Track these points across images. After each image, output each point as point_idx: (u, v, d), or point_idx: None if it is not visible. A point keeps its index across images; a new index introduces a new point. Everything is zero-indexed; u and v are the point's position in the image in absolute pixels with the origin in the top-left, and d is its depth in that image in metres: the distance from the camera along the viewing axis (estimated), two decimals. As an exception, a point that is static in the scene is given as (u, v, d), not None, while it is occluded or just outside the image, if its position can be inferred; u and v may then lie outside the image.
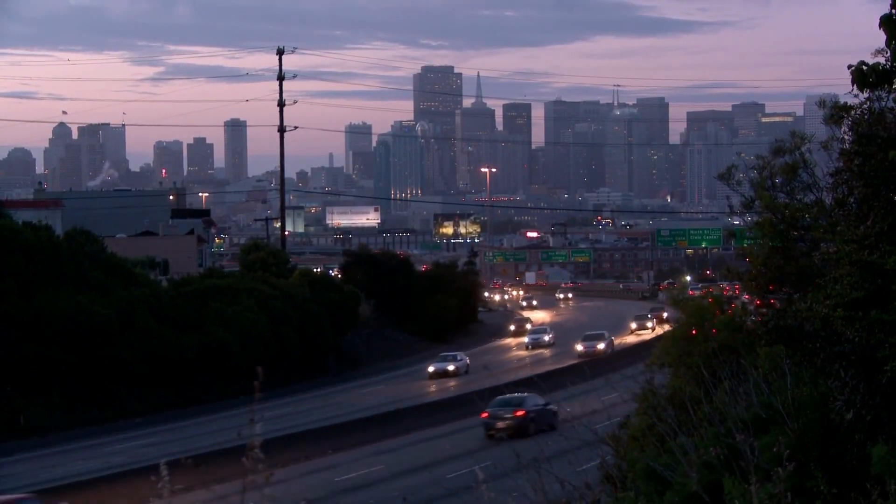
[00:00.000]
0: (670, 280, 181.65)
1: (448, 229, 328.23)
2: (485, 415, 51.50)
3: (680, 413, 16.86)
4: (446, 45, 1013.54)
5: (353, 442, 53.34)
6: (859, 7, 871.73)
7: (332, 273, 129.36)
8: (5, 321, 68.09)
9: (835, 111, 18.67)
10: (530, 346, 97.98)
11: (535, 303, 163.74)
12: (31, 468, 51.46)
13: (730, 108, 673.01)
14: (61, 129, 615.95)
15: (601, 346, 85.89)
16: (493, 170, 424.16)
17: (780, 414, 13.92)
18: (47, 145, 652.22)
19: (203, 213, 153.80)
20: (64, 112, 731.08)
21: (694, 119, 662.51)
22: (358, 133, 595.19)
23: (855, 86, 13.57)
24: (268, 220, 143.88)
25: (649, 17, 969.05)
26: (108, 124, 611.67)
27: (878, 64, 13.47)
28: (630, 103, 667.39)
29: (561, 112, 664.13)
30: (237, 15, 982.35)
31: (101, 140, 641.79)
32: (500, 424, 50.75)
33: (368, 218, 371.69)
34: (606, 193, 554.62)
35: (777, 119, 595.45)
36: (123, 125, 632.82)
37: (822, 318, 14.17)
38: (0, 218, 77.90)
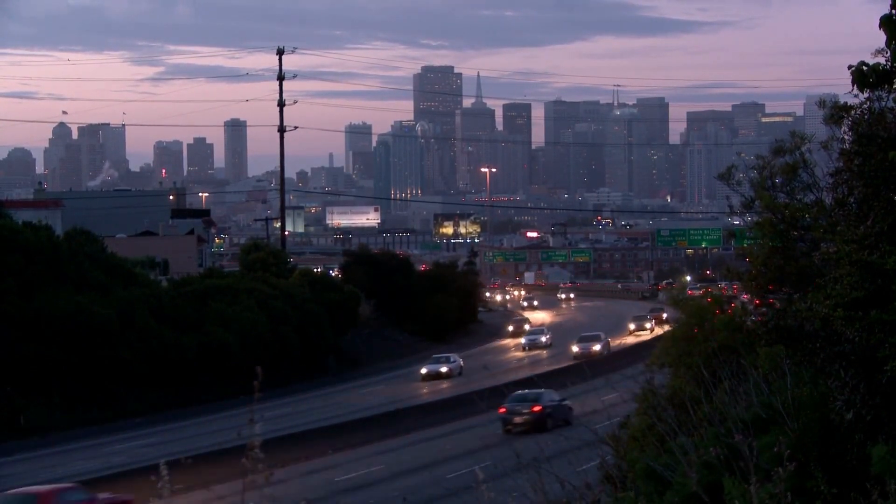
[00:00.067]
0: (668, 280, 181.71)
1: (448, 229, 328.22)
2: (502, 410, 52.32)
3: (680, 413, 16.86)
4: (446, 45, 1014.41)
5: (353, 442, 53.34)
6: (859, 7, 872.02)
7: (332, 273, 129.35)
8: (5, 321, 68.09)
9: (835, 111, 18.66)
10: (527, 348, 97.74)
11: (535, 303, 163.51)
12: (31, 468, 51.44)
13: (730, 108, 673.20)
14: (61, 129, 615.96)
15: (597, 347, 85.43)
16: (493, 170, 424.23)
17: (780, 414, 13.91)
18: (47, 145, 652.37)
19: (203, 213, 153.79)
20: (64, 112, 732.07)
21: (694, 119, 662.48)
22: (358, 133, 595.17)
23: (855, 86, 13.57)
24: (268, 220, 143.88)
25: (649, 17, 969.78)
26: (108, 124, 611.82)
27: (879, 64, 13.47)
28: (630, 103, 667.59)
29: (561, 112, 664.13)
30: (237, 15, 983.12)
31: (101, 140, 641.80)
32: (518, 420, 51.90)
33: (368, 218, 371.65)
34: (606, 193, 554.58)
35: (777, 119, 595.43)
36: (123, 125, 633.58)
37: (822, 318, 14.17)
38: (0, 218, 77.90)
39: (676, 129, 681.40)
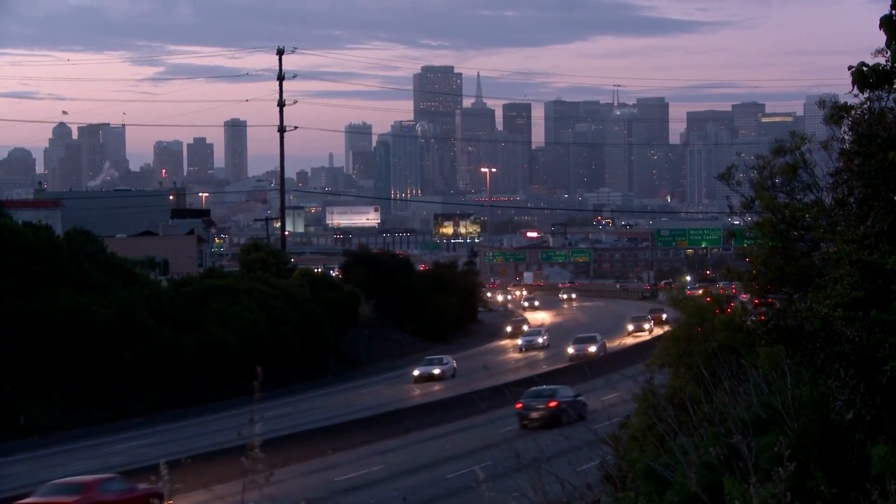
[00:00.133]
0: (667, 280, 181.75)
1: (448, 229, 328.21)
2: (519, 406, 53.09)
3: (680, 413, 16.86)
4: (446, 45, 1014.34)
5: (353, 442, 53.33)
6: (859, 7, 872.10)
7: (333, 273, 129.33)
8: (5, 321, 68.10)
9: (835, 111, 18.67)
10: (524, 349, 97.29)
11: (536, 303, 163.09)
12: (31, 468, 51.43)
13: (730, 108, 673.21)
14: (61, 129, 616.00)
15: (592, 348, 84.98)
16: (493, 170, 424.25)
17: (780, 414, 13.92)
18: (47, 145, 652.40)
19: (203, 213, 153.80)
20: (64, 112, 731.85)
21: (694, 119, 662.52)
22: (358, 133, 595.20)
23: (855, 86, 13.57)
24: (268, 220, 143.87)
25: (649, 17, 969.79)
26: (108, 124, 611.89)
27: (879, 64, 13.47)
28: (630, 103, 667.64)
29: (561, 112, 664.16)
30: (237, 15, 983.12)
31: (101, 140, 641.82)
32: (534, 415, 52.67)
33: (368, 218, 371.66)
34: (606, 193, 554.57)
35: (777, 119, 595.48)
36: (123, 125, 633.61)
37: (822, 318, 14.16)
38: (0, 218, 77.91)
39: (676, 129, 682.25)
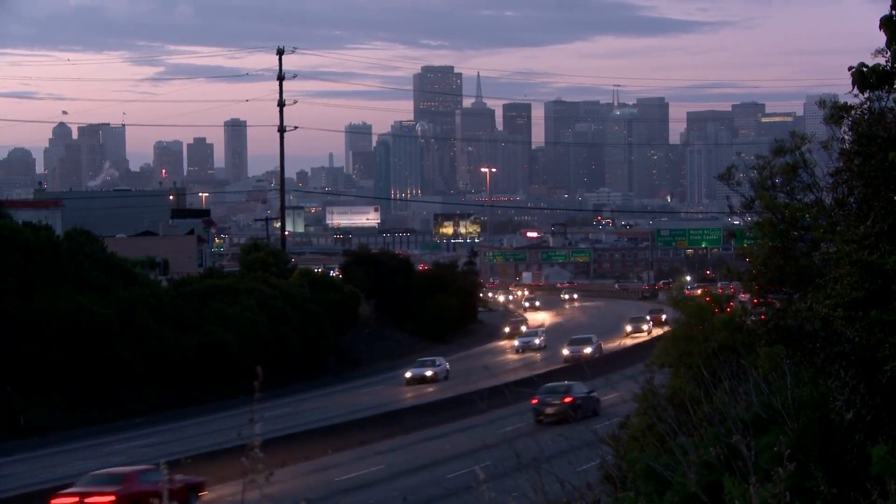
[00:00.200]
0: (665, 280, 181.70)
1: (448, 229, 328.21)
2: (534, 401, 54.09)
3: (680, 413, 16.86)
4: (446, 45, 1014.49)
5: (353, 442, 53.33)
6: (859, 7, 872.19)
7: (333, 273, 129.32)
8: (5, 321, 68.09)
9: (835, 111, 18.66)
10: (520, 350, 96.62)
11: (537, 303, 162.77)
12: (31, 468, 51.45)
13: (730, 108, 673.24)
14: (61, 129, 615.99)
15: (588, 350, 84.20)
16: (493, 170, 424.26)
17: (780, 414, 13.92)
18: (47, 145, 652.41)
19: (203, 213, 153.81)
20: (64, 112, 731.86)
21: (694, 119, 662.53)
22: (358, 133, 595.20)
23: (855, 87, 13.57)
24: (268, 220, 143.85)
25: (649, 17, 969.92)
26: (108, 124, 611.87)
27: (879, 65, 13.47)
28: (630, 103, 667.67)
29: (561, 112, 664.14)
30: (237, 15, 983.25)
31: (101, 140, 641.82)
32: (549, 410, 53.54)
33: (368, 218, 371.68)
34: (606, 193, 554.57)
35: (777, 119, 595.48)
36: (123, 125, 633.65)
37: (822, 318, 14.16)
38: (0, 218, 77.91)
39: (676, 129, 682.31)
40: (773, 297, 22.56)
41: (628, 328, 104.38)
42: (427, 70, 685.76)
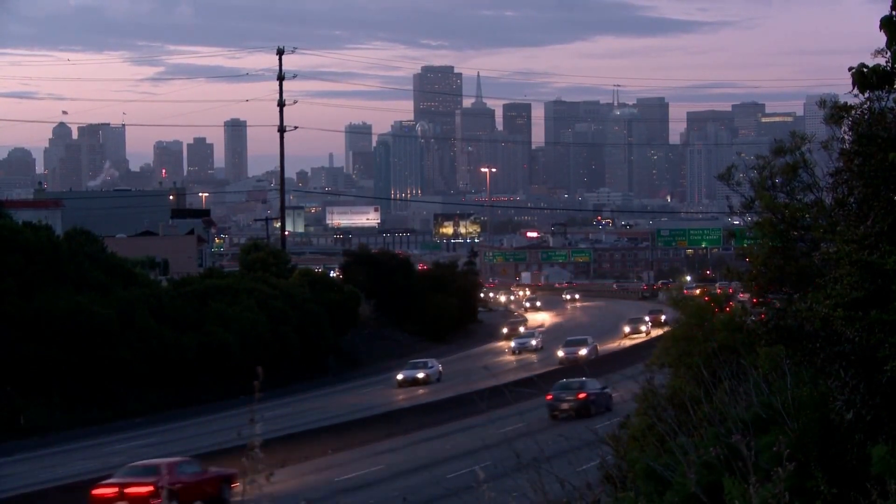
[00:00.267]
0: (664, 281, 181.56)
1: (448, 229, 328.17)
2: (549, 397, 55.96)
3: (680, 413, 16.86)
4: (446, 45, 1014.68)
5: (353, 442, 53.33)
6: (860, 7, 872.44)
7: (333, 273, 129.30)
8: (5, 321, 68.10)
9: (835, 111, 18.66)
10: (517, 351, 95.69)
11: (538, 304, 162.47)
12: (31, 468, 51.45)
13: (730, 108, 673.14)
14: (61, 129, 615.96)
15: (583, 352, 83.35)
16: (493, 170, 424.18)
17: (780, 414, 13.92)
18: (47, 145, 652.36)
19: (203, 213, 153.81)
20: (64, 112, 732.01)
21: (694, 119, 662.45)
22: (358, 133, 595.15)
23: (856, 87, 13.56)
24: (268, 220, 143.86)
25: (649, 17, 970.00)
26: (108, 124, 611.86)
27: (879, 65, 13.46)
28: (630, 103, 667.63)
29: (561, 112, 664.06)
30: (237, 15, 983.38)
31: (101, 140, 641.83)
32: (564, 406, 55.52)
33: (368, 218, 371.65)
34: (606, 193, 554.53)
35: (777, 119, 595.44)
36: (123, 125, 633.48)
37: (822, 318, 14.16)
38: (0, 218, 77.91)
39: (676, 129, 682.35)
40: (773, 297, 22.55)
41: (626, 329, 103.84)
42: (427, 70, 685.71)
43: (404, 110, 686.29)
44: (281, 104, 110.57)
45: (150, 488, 37.36)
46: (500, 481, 13.59)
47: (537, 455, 14.82)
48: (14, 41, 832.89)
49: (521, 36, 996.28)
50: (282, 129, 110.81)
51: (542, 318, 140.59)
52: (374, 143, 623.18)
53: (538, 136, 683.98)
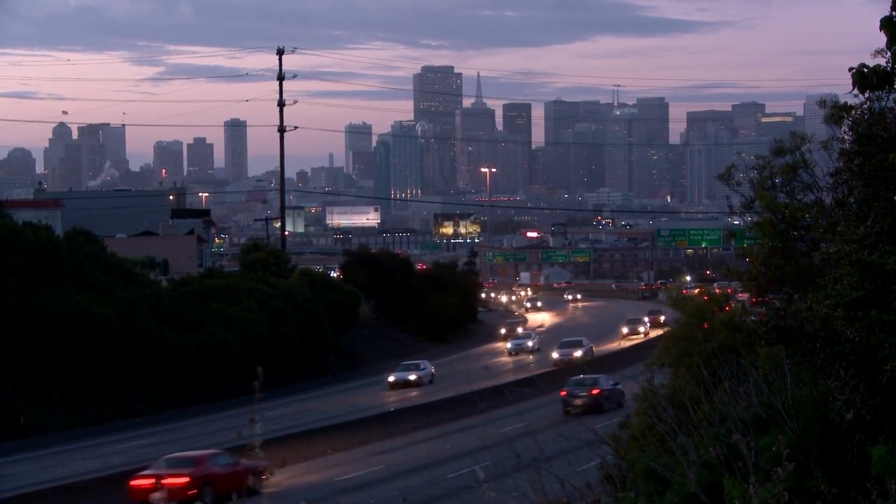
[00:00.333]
0: (662, 280, 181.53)
1: (448, 229, 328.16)
2: (563, 393, 57.57)
3: (680, 413, 16.85)
4: (446, 45, 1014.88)
5: (353, 442, 53.33)
6: (859, 7, 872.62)
7: (333, 273, 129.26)
8: (5, 321, 68.09)
9: (835, 111, 18.65)
10: (513, 352, 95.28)
11: (539, 304, 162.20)
12: (31, 468, 51.47)
13: (730, 108, 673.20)
14: (61, 129, 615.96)
15: (578, 353, 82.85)
16: (493, 170, 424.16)
17: (780, 414, 13.91)
18: (47, 145, 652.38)
19: (203, 213, 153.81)
20: (64, 112, 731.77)
21: (694, 119, 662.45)
22: (358, 133, 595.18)
23: (856, 87, 13.56)
24: (268, 220, 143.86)
25: (649, 17, 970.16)
26: (108, 124, 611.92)
27: (879, 66, 13.46)
28: (630, 103, 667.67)
29: (561, 112, 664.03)
30: (237, 15, 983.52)
31: (101, 140, 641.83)
32: (578, 402, 57.06)
33: (368, 218, 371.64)
34: (606, 193, 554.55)
35: (777, 119, 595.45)
36: (123, 125, 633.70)
37: (822, 318, 14.15)
38: (0, 218, 77.90)
39: (676, 129, 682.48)
40: (772, 297, 22.55)
41: (624, 330, 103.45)
42: (427, 70, 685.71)
43: (404, 110, 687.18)
44: (281, 104, 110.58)
45: (187, 479, 38.63)
46: (500, 481, 13.59)
47: (537, 455, 14.81)
48: (14, 41, 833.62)
49: (521, 36, 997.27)
50: (282, 129, 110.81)
51: (542, 318, 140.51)
52: (374, 143, 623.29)
53: (538, 136, 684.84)
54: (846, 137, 16.96)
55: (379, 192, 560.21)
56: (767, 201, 22.65)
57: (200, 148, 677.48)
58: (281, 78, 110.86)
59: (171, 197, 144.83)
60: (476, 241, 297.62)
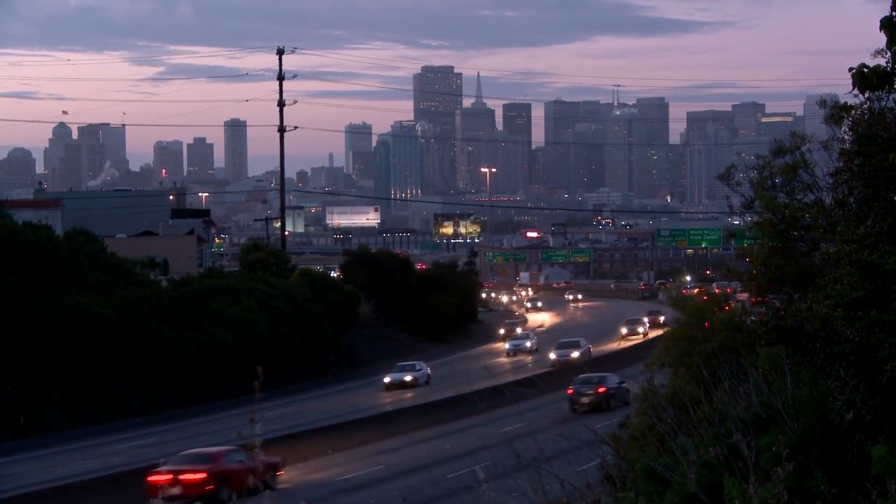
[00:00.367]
0: (662, 281, 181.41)
1: (448, 229, 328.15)
2: (570, 391, 57.90)
3: (680, 413, 16.86)
4: (446, 45, 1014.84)
5: (353, 442, 53.33)
6: (859, 7, 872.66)
7: (333, 273, 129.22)
8: (5, 321, 68.09)
9: (835, 111, 18.65)
10: (511, 353, 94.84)
11: (539, 304, 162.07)
12: (31, 468, 51.46)
13: (730, 108, 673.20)
14: (61, 129, 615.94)
15: (575, 354, 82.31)
16: (493, 170, 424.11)
17: (780, 414, 13.91)
18: (47, 145, 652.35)
19: (203, 213, 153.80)
20: (64, 112, 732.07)
21: (694, 119, 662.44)
22: (358, 133, 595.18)
23: (856, 88, 13.55)
24: (268, 220, 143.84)
25: (649, 17, 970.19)
26: (108, 124, 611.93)
27: (879, 66, 13.45)
28: (630, 103, 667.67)
29: (561, 112, 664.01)
30: (237, 15, 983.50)
31: (101, 140, 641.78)
32: (584, 400, 57.60)
33: (368, 218, 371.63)
34: (606, 193, 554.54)
35: (777, 119, 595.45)
36: (123, 125, 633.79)
37: (822, 318, 14.15)
38: (0, 218, 77.90)
39: (676, 129, 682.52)
40: (772, 297, 22.55)
41: (623, 330, 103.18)
42: (427, 70, 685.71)
43: (404, 110, 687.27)
44: (281, 104, 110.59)
45: (203, 475, 39.09)
46: (500, 481, 13.59)
47: (537, 455, 14.81)
48: (14, 41, 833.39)
49: (521, 36, 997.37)
50: (282, 129, 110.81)
51: (542, 318, 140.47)
52: (374, 143, 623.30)
53: (538, 136, 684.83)
54: (846, 137, 16.96)
55: (379, 192, 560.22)
56: (767, 201, 22.65)
57: (200, 148, 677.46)
58: (281, 78, 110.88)
59: (171, 197, 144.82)
60: (476, 241, 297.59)
